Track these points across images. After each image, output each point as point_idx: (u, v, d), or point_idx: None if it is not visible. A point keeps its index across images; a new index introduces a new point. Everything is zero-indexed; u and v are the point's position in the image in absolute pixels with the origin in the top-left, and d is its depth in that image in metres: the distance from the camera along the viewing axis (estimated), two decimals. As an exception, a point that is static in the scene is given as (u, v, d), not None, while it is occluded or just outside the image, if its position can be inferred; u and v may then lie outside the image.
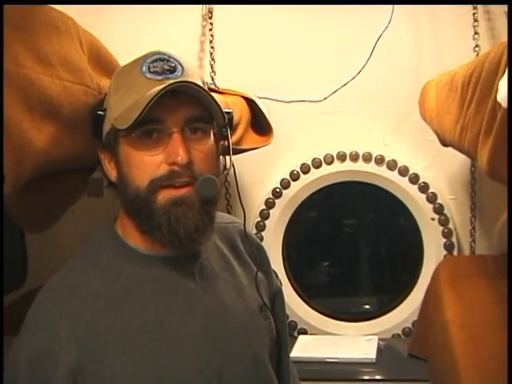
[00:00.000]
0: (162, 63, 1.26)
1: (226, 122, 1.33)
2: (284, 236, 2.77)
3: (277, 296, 1.58)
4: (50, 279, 1.29)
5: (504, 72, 0.96)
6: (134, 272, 1.29)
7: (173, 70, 1.26)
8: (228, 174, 1.39)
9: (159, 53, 1.28)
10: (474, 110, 1.22)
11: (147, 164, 1.23)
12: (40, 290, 1.27)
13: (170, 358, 1.25)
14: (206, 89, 1.27)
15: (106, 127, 1.28)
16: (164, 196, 1.23)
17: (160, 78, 1.24)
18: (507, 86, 0.85)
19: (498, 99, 0.92)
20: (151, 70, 1.25)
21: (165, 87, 1.18)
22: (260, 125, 2.36)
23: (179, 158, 1.21)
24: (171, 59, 1.28)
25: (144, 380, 1.22)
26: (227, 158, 1.41)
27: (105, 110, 1.29)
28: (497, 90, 1.04)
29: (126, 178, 1.26)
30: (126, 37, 2.52)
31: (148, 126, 1.22)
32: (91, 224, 1.64)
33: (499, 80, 1.02)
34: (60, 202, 1.40)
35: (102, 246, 1.33)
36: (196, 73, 1.33)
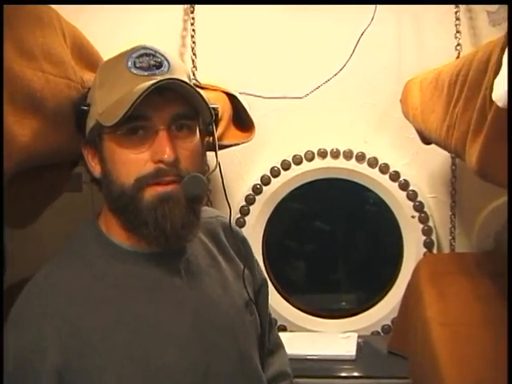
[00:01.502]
0: (148, 58, 1.25)
1: (213, 119, 1.31)
2: (264, 232, 2.77)
3: (262, 288, 1.60)
4: (34, 276, 1.27)
5: (495, 71, 0.96)
6: (120, 269, 1.28)
7: (159, 66, 1.24)
8: (215, 171, 1.37)
9: (145, 47, 1.26)
10: (462, 109, 1.22)
11: (133, 162, 1.22)
12: (25, 287, 1.25)
13: (158, 355, 1.24)
14: (192, 84, 1.25)
15: (90, 123, 1.26)
16: (151, 193, 1.22)
17: (146, 73, 1.23)
18: (507, 86, 0.85)
19: (494, 98, 0.91)
20: (137, 65, 1.24)
21: (152, 84, 1.17)
22: (242, 120, 2.34)
23: (166, 156, 1.20)
24: (157, 54, 1.26)
25: (132, 378, 1.21)
26: (212, 154, 1.40)
27: (89, 105, 1.27)
28: (486, 89, 1.04)
29: (111, 174, 1.24)
30: (107, 30, 2.48)
31: (134, 123, 1.21)
32: (70, 219, 1.62)
33: (489, 79, 1.02)
34: (42, 198, 1.38)
35: (86, 242, 1.32)
36: (182, 68, 1.32)
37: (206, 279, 1.37)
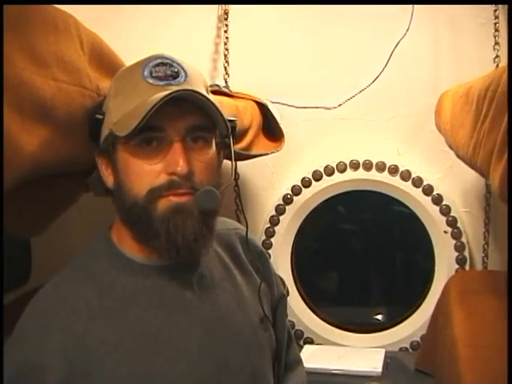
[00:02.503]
0: (165, 68, 1.22)
1: (229, 132, 1.28)
2: (293, 243, 2.73)
3: (280, 303, 1.55)
4: (41, 289, 1.25)
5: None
6: (129, 282, 1.25)
7: (175, 76, 1.22)
8: (232, 184, 1.34)
9: (162, 56, 1.24)
10: (489, 126, 1.17)
11: (146, 173, 1.19)
12: (30, 301, 1.23)
13: (165, 371, 1.20)
14: (209, 96, 1.22)
15: (105, 131, 1.24)
16: (164, 204, 1.19)
17: (162, 83, 1.20)
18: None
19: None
20: (153, 75, 1.21)
21: (167, 95, 1.14)
22: (272, 130, 2.32)
23: (179, 168, 1.17)
24: (174, 64, 1.23)
25: None
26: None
27: (104, 114, 1.25)
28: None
29: (124, 185, 1.22)
30: (142, 37, 2.49)
31: (148, 134, 1.18)
32: (97, 223, 1.61)
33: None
34: (53, 208, 1.36)
35: (96, 254, 1.29)
36: (200, 78, 1.29)
37: (219, 293, 1.33)
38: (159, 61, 1.23)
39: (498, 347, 1.72)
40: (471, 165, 1.39)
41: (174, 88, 1.17)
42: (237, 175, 1.35)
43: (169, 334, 1.23)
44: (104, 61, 1.42)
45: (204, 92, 1.22)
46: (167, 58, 1.24)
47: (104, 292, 1.23)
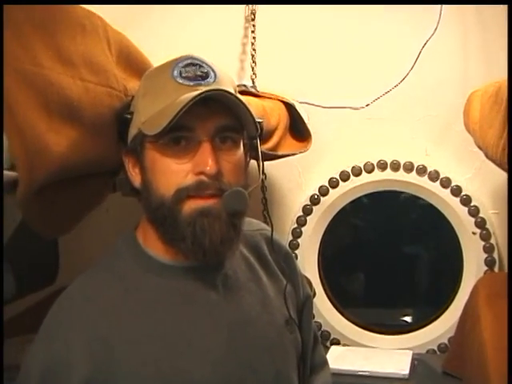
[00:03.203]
0: (195, 68, 1.22)
1: (258, 133, 1.28)
2: (320, 244, 2.72)
3: (306, 304, 1.54)
4: (67, 288, 1.25)
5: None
6: (154, 282, 1.25)
7: (205, 77, 1.22)
8: (258, 186, 1.34)
9: (192, 57, 1.24)
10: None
11: (174, 172, 1.19)
12: (56, 300, 1.23)
13: (189, 371, 1.20)
14: (240, 96, 1.22)
15: (133, 131, 1.24)
16: (190, 206, 1.19)
17: (192, 83, 1.20)
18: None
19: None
20: (183, 75, 1.21)
21: (198, 94, 1.14)
22: (298, 130, 2.31)
23: (208, 168, 1.17)
24: (204, 65, 1.23)
25: None
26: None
27: (132, 113, 1.25)
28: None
29: (151, 184, 1.22)
30: (169, 39, 2.50)
31: (177, 134, 1.18)
32: (125, 223, 1.61)
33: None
34: (78, 208, 1.36)
35: (121, 254, 1.30)
36: (228, 79, 1.29)
37: (244, 295, 1.33)
38: (189, 61, 1.23)
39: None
40: (501, 165, 1.37)
41: (204, 88, 1.17)
42: (264, 176, 1.34)
43: (193, 335, 1.23)
44: (131, 61, 1.43)
45: (234, 92, 1.22)
46: (197, 59, 1.24)
47: (129, 292, 1.24)
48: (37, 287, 2.06)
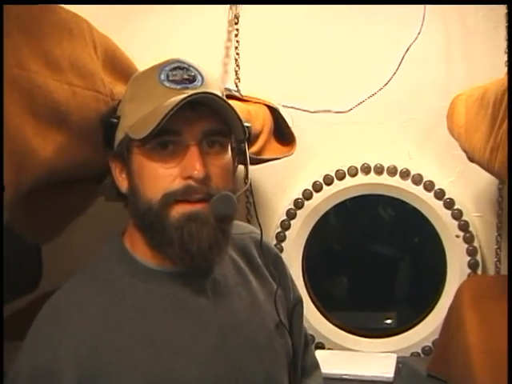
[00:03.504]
0: (182, 72, 1.21)
1: (245, 137, 1.27)
2: (304, 247, 2.72)
3: (296, 308, 1.53)
4: (53, 294, 1.23)
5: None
6: (143, 288, 1.23)
7: (192, 80, 1.21)
8: (246, 191, 1.33)
9: (178, 61, 1.23)
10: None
11: (161, 177, 1.18)
12: (43, 307, 1.21)
13: (178, 378, 1.19)
14: (226, 99, 1.21)
15: (119, 135, 1.23)
16: (178, 210, 1.17)
17: (179, 87, 1.19)
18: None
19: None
20: (170, 79, 1.20)
21: (185, 98, 1.13)
22: (283, 134, 2.31)
23: (196, 172, 1.15)
24: (191, 68, 1.22)
25: None
26: (247, 168, 1.36)
27: (118, 118, 1.23)
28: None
29: (138, 189, 1.20)
30: (152, 42, 2.49)
31: (164, 138, 1.17)
32: (107, 228, 1.60)
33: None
34: (65, 214, 1.35)
35: (109, 260, 1.28)
36: (216, 83, 1.28)
37: (234, 299, 1.32)
38: (176, 65, 1.22)
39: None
40: (488, 169, 1.37)
41: (191, 92, 1.16)
42: (248, 185, 1.34)
43: (182, 341, 1.22)
44: (117, 65, 1.42)
45: (222, 96, 1.21)
46: (184, 62, 1.23)
47: (117, 298, 1.22)
48: (19, 293, 2.04)
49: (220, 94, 1.22)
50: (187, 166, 1.17)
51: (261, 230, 1.40)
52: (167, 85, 1.20)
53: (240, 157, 1.32)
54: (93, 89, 1.25)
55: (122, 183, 1.26)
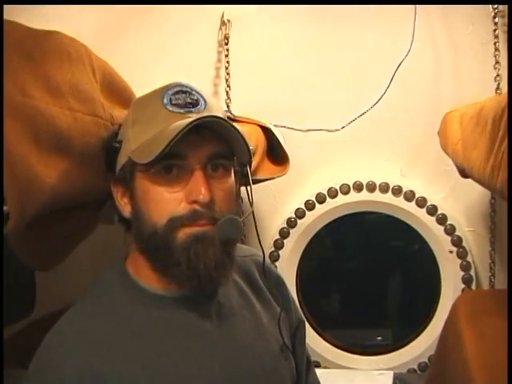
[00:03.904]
0: (184, 96, 1.21)
1: (251, 159, 1.27)
2: (298, 266, 2.72)
3: (298, 329, 1.53)
4: (57, 322, 1.22)
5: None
6: (147, 314, 1.23)
7: (195, 104, 1.21)
8: (250, 214, 1.33)
9: (180, 85, 1.23)
10: (509, 148, 1.16)
11: (167, 201, 1.18)
12: (47, 334, 1.20)
13: None
14: (233, 124, 1.21)
15: (122, 160, 1.23)
16: (185, 232, 1.17)
17: (182, 111, 1.19)
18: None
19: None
20: (173, 103, 1.20)
21: (192, 121, 1.13)
22: (276, 154, 2.31)
23: (201, 196, 1.15)
24: (193, 92, 1.23)
25: None
26: (251, 191, 1.35)
27: (120, 142, 1.23)
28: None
29: (143, 214, 1.20)
30: (142, 64, 2.48)
31: (169, 162, 1.17)
32: (102, 252, 1.59)
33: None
34: (68, 240, 1.35)
35: (112, 286, 1.27)
36: (218, 106, 1.28)
37: (238, 322, 1.31)
38: (178, 89, 1.22)
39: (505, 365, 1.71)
40: (489, 187, 1.38)
41: (195, 116, 1.17)
42: (252, 209, 1.34)
43: (188, 366, 1.21)
44: (115, 89, 1.42)
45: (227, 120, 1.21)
46: (185, 86, 1.23)
47: (121, 325, 1.21)
48: (13, 319, 2.01)
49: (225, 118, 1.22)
50: (192, 190, 1.17)
51: (263, 253, 1.40)
52: (170, 109, 1.20)
53: (242, 180, 1.32)
54: (93, 114, 1.25)
55: (125, 207, 1.25)
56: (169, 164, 1.17)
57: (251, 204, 1.33)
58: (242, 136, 1.19)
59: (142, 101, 1.28)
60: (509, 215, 1.70)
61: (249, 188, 1.35)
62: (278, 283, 1.49)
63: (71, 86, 1.18)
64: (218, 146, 1.21)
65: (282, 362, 1.37)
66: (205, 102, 1.23)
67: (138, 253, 1.26)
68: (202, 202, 1.16)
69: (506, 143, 1.19)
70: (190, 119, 1.14)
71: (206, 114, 1.19)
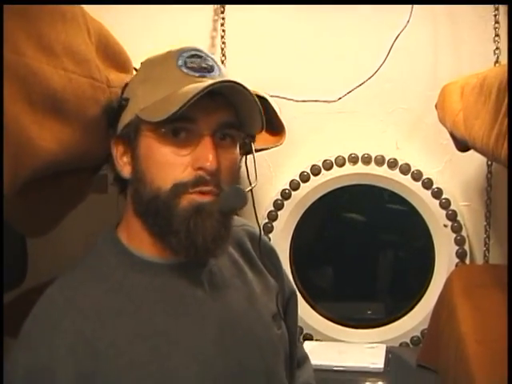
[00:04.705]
0: (200, 60, 1.19)
1: (262, 130, 1.25)
2: (292, 238, 2.70)
3: (291, 300, 1.54)
4: (47, 289, 1.20)
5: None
6: (138, 281, 1.21)
7: (210, 70, 1.19)
8: (254, 187, 1.31)
9: (196, 49, 1.21)
10: (508, 119, 1.14)
11: (172, 165, 1.15)
12: (37, 301, 1.18)
13: (178, 371, 1.16)
14: (252, 92, 1.17)
15: (126, 118, 1.20)
16: (189, 201, 1.15)
17: (197, 74, 1.17)
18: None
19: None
20: (188, 65, 1.18)
21: (211, 84, 1.10)
22: (272, 124, 2.28)
23: (208, 163, 1.13)
24: (208, 58, 1.21)
25: None
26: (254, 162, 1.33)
27: (127, 100, 1.21)
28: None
29: (145, 176, 1.18)
30: (136, 30, 2.45)
31: (179, 124, 1.15)
32: (93, 221, 1.56)
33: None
34: (61, 205, 1.31)
35: (102, 253, 1.25)
36: (229, 76, 1.25)
37: (230, 291, 1.30)
38: (194, 52, 1.20)
39: (506, 341, 1.71)
40: (493, 157, 1.35)
41: (210, 81, 1.14)
42: (256, 182, 1.33)
43: (180, 334, 1.20)
44: (110, 52, 1.37)
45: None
46: (201, 51, 1.22)
47: (112, 292, 1.19)
48: (6, 288, 1.99)
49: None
50: (200, 156, 1.14)
51: (258, 224, 1.40)
52: (185, 71, 1.18)
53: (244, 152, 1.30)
54: (88, 75, 1.20)
55: (124, 167, 1.23)
56: (178, 127, 1.15)
57: (255, 177, 1.32)
58: (258, 105, 1.17)
59: (154, 61, 1.25)
60: (509, 182, 1.69)
61: (250, 158, 1.32)
62: (270, 254, 1.48)
63: (66, 46, 1.14)
64: (229, 115, 1.19)
65: (275, 331, 1.36)
66: (219, 69, 1.21)
67: (133, 216, 1.23)
68: (208, 169, 1.14)
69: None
70: (206, 83, 1.12)
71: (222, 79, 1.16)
